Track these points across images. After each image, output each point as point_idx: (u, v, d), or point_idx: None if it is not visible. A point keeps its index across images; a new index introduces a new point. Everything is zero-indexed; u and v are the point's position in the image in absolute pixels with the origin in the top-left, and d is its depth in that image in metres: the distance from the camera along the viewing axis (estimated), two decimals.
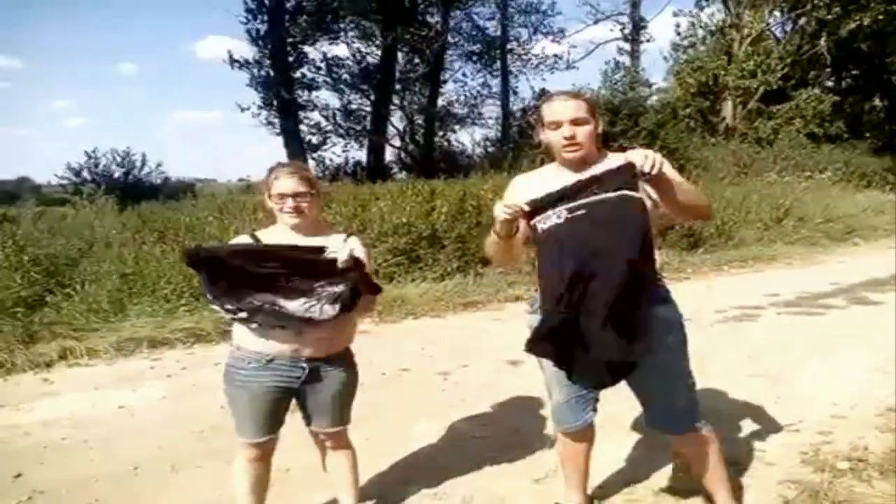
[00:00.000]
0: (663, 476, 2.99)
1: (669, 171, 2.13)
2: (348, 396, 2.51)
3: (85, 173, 19.46)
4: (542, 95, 19.71)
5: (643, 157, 2.04)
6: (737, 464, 3.13)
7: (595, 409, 2.51)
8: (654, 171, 2.03)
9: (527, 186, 2.36)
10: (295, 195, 2.31)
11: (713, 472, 2.48)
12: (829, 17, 19.20)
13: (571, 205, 2.08)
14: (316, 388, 2.40)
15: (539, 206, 2.13)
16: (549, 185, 2.20)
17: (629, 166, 2.06)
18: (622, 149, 2.29)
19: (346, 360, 2.47)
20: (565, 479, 2.69)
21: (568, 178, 2.22)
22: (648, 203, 2.14)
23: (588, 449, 2.61)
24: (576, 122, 2.22)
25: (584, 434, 2.55)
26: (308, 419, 2.50)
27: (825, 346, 5.27)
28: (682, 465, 2.87)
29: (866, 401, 3.95)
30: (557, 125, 2.24)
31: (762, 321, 6.33)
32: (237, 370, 2.35)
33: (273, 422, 2.41)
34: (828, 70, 23.00)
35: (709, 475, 2.49)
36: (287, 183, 2.32)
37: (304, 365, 2.34)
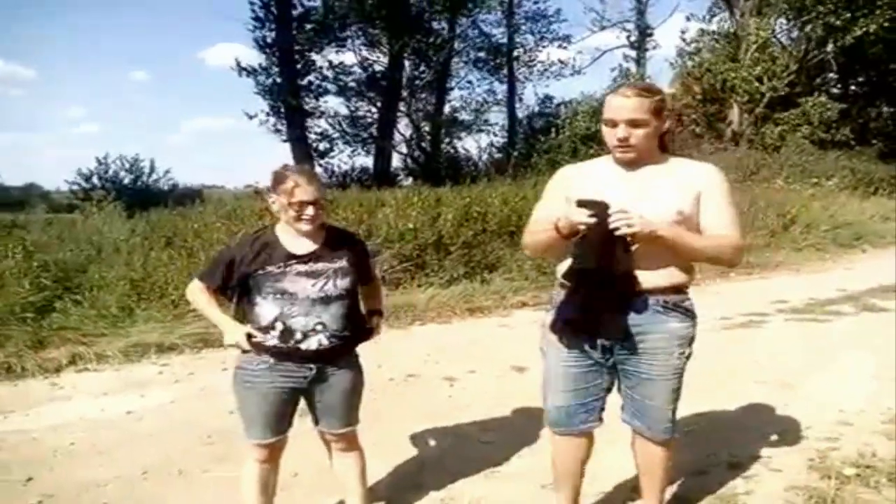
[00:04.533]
0: (672, 483, 2.99)
1: (672, 234, 2.10)
2: (356, 397, 2.53)
3: (95, 179, 19.65)
4: (545, 101, 19.73)
5: (618, 215, 2.03)
6: (742, 469, 3.13)
7: (599, 419, 2.41)
8: (620, 232, 2.03)
9: (582, 179, 2.31)
10: (315, 202, 2.30)
11: (659, 479, 2.50)
12: (838, 22, 19.13)
13: None
14: (324, 388, 2.43)
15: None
16: (602, 181, 2.21)
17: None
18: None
19: (352, 361, 2.50)
20: (556, 487, 2.56)
21: (621, 175, 2.22)
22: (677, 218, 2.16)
23: (584, 457, 2.48)
24: (632, 124, 2.12)
25: (580, 440, 2.43)
26: (317, 420, 2.52)
27: (832, 352, 5.26)
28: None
29: (873, 407, 3.94)
30: (613, 123, 2.16)
31: (769, 327, 6.32)
32: (245, 371, 2.38)
33: (281, 422, 2.43)
34: (834, 76, 22.95)
35: (652, 479, 2.51)
36: (309, 190, 2.29)
37: (311, 365, 2.37)
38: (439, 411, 4.11)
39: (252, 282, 2.34)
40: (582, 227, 2.07)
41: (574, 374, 2.33)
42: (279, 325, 2.32)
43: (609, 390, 2.41)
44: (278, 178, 2.33)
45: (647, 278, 2.19)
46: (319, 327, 2.34)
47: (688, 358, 2.32)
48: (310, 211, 2.30)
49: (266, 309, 2.33)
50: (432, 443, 3.59)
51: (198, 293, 2.46)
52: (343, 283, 2.38)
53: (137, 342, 5.52)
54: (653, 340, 2.25)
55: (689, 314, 2.31)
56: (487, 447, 3.53)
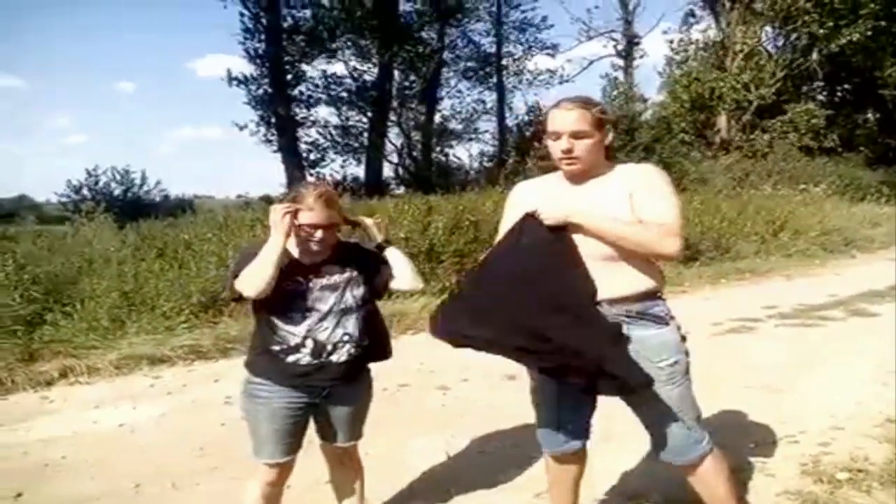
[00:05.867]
0: (665, 488, 3.00)
1: (587, 220, 2.11)
2: (365, 411, 2.54)
3: (85, 191, 19.59)
4: (538, 110, 19.83)
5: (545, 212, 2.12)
6: (736, 474, 3.14)
7: (587, 436, 2.42)
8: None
9: (532, 195, 2.33)
10: (327, 226, 2.27)
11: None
12: (821, 31, 19.36)
13: None
14: (336, 402, 2.42)
15: None
16: (552, 196, 2.21)
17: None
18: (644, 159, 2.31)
19: (364, 377, 2.51)
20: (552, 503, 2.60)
21: (567, 189, 2.23)
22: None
23: (577, 475, 2.49)
24: (576, 136, 2.14)
25: (572, 458, 2.45)
26: (324, 434, 2.51)
27: (823, 357, 5.29)
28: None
29: (865, 411, 3.97)
30: (557, 136, 2.17)
31: (760, 333, 6.35)
32: (257, 385, 2.34)
33: (293, 441, 2.39)
34: (820, 84, 23.18)
35: None
36: (321, 216, 2.24)
37: (331, 381, 2.36)
38: (432, 421, 4.11)
39: (277, 298, 2.26)
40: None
41: (559, 391, 2.31)
42: (309, 343, 2.30)
43: (594, 408, 2.39)
44: (294, 198, 2.27)
45: (609, 288, 2.13)
46: (346, 338, 2.34)
47: (677, 364, 2.19)
48: (318, 234, 2.27)
49: (295, 327, 2.30)
50: (425, 453, 3.58)
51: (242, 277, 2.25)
52: (358, 292, 2.38)
53: (129, 354, 5.49)
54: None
55: (661, 320, 2.20)
56: (481, 456, 3.53)
